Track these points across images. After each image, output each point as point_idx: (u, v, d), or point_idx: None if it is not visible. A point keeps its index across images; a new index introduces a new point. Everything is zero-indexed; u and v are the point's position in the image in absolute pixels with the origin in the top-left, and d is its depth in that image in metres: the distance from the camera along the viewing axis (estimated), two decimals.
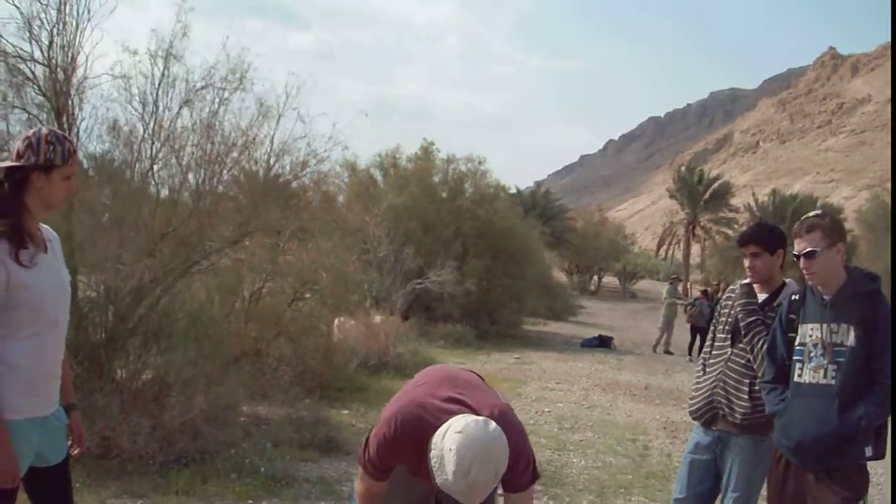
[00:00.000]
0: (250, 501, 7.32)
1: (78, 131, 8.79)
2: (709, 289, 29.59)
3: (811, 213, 4.79)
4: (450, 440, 3.53)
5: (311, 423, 9.35)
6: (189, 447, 7.91)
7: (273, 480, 7.84)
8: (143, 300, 8.64)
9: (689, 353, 25.38)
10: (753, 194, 79.82)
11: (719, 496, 5.53)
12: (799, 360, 4.63)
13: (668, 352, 26.62)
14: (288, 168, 10.95)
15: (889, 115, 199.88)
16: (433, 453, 3.60)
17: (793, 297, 4.84)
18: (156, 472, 7.53)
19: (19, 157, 3.68)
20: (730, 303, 5.58)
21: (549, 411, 13.75)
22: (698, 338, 25.22)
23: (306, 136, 10.58)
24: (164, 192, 9.71)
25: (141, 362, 8.54)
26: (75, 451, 4.06)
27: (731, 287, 5.85)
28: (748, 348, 5.25)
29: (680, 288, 30.85)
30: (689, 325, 26.02)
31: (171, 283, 8.90)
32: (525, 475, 4.01)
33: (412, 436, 3.82)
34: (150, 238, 8.75)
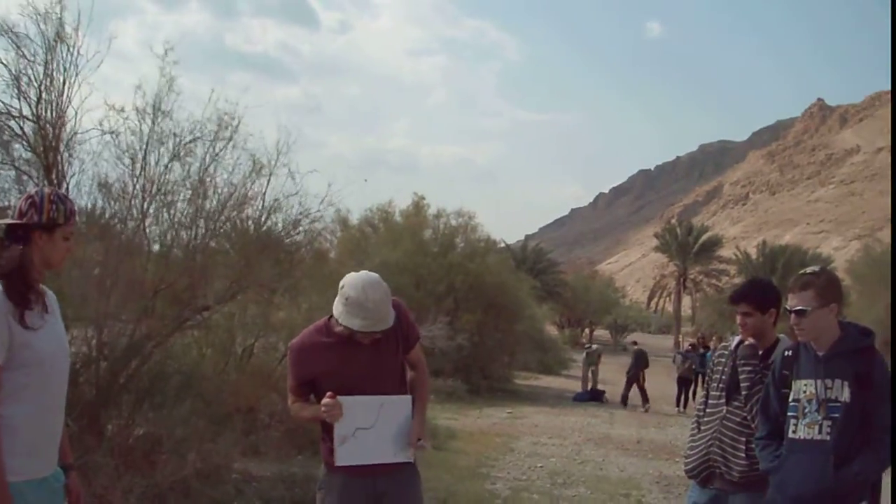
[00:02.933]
0: None
1: (67, 187, 8.81)
2: (696, 342, 29.71)
3: (808, 270, 4.77)
4: (343, 288, 4.48)
5: (303, 479, 9.29)
6: None
7: None
8: (136, 356, 8.64)
9: (677, 406, 25.51)
10: (737, 248, 79.94)
11: None
12: (793, 416, 4.62)
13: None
14: (280, 225, 10.99)
15: (880, 164, 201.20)
16: (334, 310, 4.50)
17: (786, 353, 4.83)
18: None
19: (21, 215, 3.68)
20: (723, 360, 5.56)
21: (541, 466, 13.71)
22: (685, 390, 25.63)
23: (298, 194, 10.62)
24: (156, 248, 9.74)
25: (133, 419, 8.51)
26: None
27: (723, 343, 5.85)
28: (747, 407, 5.25)
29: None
30: (676, 378, 26.19)
31: (165, 338, 8.89)
32: (414, 325, 4.87)
33: (301, 339, 4.75)
34: (143, 294, 8.75)
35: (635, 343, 31.37)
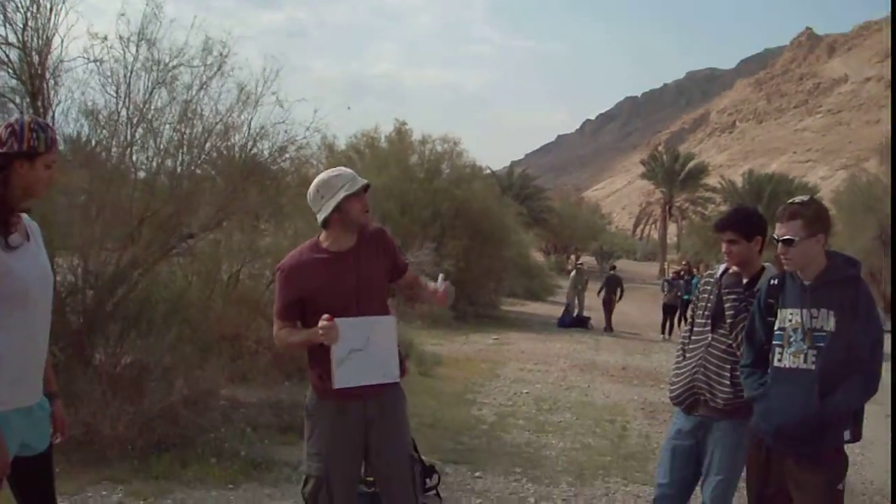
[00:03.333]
0: (230, 485, 7.32)
1: (53, 114, 8.72)
2: (681, 270, 29.86)
3: (796, 199, 4.73)
4: (313, 194, 4.68)
5: (290, 406, 9.31)
6: (169, 432, 7.88)
7: (253, 464, 7.84)
8: (122, 284, 8.62)
9: (662, 332, 25.73)
10: (721, 177, 79.91)
11: (700, 480, 5.56)
12: (779, 345, 4.63)
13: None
14: (266, 153, 10.92)
15: (867, 94, 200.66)
16: (322, 214, 4.64)
17: (771, 281, 4.82)
18: (136, 457, 7.49)
19: (1, 143, 3.63)
20: (709, 288, 5.56)
21: (527, 392, 13.80)
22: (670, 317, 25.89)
23: (285, 122, 10.55)
24: (142, 176, 9.67)
25: (120, 347, 8.52)
26: (58, 440, 4.04)
27: (709, 272, 5.84)
28: (732, 335, 5.26)
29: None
30: (662, 306, 26.42)
31: (151, 266, 8.87)
32: (400, 253, 5.05)
33: (291, 258, 4.80)
34: (128, 222, 8.71)
35: (613, 268, 31.50)
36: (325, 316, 4.45)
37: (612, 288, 27.76)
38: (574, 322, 27.30)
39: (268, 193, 11.01)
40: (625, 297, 28.48)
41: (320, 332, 4.45)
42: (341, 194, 4.60)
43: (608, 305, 27.56)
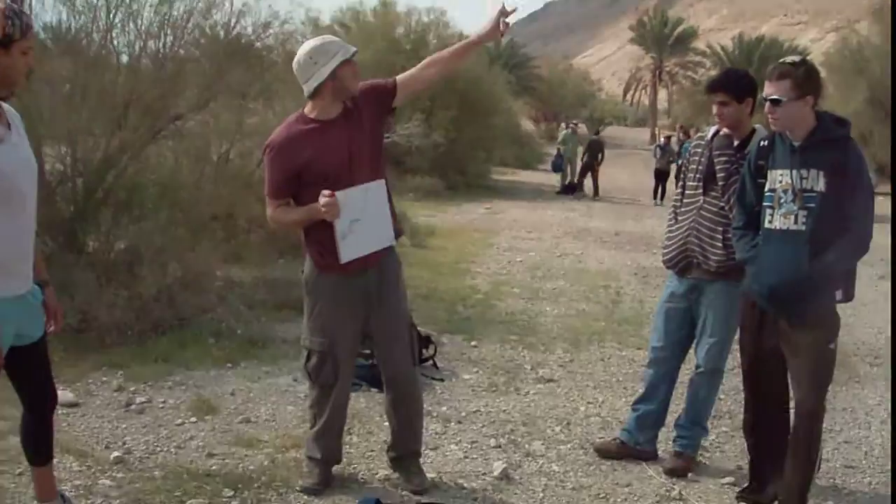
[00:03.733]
0: (229, 364, 7.39)
1: (31, 2, 8.58)
2: (673, 134, 29.75)
3: (787, 59, 4.66)
4: (302, 61, 4.62)
5: (285, 283, 9.36)
6: (165, 315, 7.93)
7: (250, 342, 7.93)
8: (112, 170, 8.58)
9: (654, 198, 25.74)
10: (709, 43, 78.95)
11: (694, 342, 5.64)
12: (769, 207, 4.63)
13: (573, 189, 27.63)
14: (250, 29, 10.79)
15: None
16: (316, 79, 4.58)
17: (761, 143, 4.80)
18: (134, 342, 7.56)
19: None
20: (700, 150, 5.53)
21: (521, 260, 13.89)
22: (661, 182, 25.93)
23: None
24: (124, 60, 9.56)
25: (113, 233, 8.53)
26: (51, 328, 4.06)
27: (699, 134, 5.83)
28: (725, 197, 5.25)
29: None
30: (654, 171, 26.40)
31: (139, 150, 8.82)
32: (379, 83, 4.92)
33: (279, 133, 4.78)
34: (114, 107, 8.63)
35: (597, 132, 31.27)
36: (326, 192, 4.45)
37: (595, 152, 27.72)
38: (568, 189, 27.38)
39: (253, 71, 10.91)
40: (614, 163, 28.49)
41: (322, 208, 4.46)
42: (338, 59, 4.56)
43: (592, 171, 27.59)
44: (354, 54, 4.64)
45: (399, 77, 4.93)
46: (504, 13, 4.68)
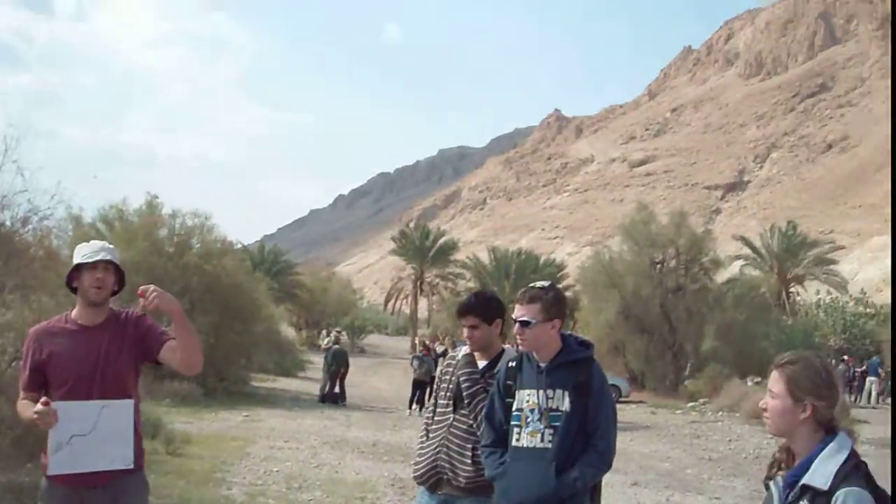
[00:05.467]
0: None
1: None
2: (430, 345, 30.45)
3: (537, 284, 4.99)
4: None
5: (32, 488, 8.93)
6: None
7: None
8: None
9: (410, 407, 26.07)
10: (467, 255, 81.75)
11: None
12: (517, 425, 4.83)
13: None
14: (8, 223, 10.57)
15: (612, 174, 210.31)
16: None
17: (510, 364, 5.03)
18: None
19: None
20: (451, 370, 5.68)
21: (277, 471, 13.71)
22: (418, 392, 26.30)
23: (27, 191, 10.27)
24: None
25: None
26: None
27: (451, 354, 6.02)
28: (472, 415, 5.41)
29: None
30: (412, 381, 26.83)
31: None
32: (152, 329, 4.94)
33: (41, 324, 4.83)
34: None
35: (337, 342, 31.44)
36: (43, 400, 4.36)
37: (340, 362, 28.11)
38: (327, 397, 27.41)
39: (10, 266, 10.64)
40: (376, 371, 28.76)
41: (34, 415, 4.34)
42: (76, 261, 4.61)
43: (340, 378, 27.95)
44: (101, 262, 4.63)
45: (169, 344, 4.87)
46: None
